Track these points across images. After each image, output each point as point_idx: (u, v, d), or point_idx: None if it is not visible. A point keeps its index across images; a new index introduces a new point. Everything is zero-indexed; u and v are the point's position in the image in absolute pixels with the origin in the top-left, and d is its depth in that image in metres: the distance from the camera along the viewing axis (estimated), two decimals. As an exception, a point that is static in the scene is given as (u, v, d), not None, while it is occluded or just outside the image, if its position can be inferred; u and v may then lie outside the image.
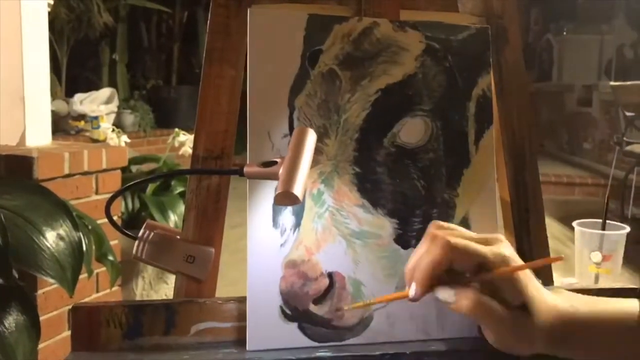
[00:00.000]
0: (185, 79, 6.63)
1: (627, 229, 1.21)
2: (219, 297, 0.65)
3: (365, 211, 0.67)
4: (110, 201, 0.65)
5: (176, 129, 2.58)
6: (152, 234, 0.65)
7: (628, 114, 4.32)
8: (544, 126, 7.18)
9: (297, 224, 0.66)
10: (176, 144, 2.55)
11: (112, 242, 1.77)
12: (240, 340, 0.63)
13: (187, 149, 2.48)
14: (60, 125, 4.67)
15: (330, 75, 0.68)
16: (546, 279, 0.72)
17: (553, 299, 0.56)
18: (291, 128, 0.66)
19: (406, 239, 0.68)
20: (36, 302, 1.67)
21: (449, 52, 0.71)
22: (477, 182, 0.71)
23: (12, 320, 1.10)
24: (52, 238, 1.22)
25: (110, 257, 1.63)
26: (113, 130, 2.69)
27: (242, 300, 0.65)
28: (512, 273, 0.53)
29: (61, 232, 1.24)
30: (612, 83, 4.81)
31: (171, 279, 2.40)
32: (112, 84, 5.74)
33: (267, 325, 0.63)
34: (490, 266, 0.53)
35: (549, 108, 7.30)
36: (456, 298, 0.53)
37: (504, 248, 0.55)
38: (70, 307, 0.62)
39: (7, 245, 1.10)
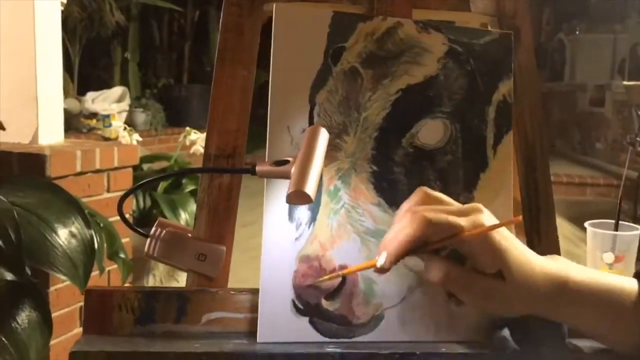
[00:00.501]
0: (196, 77, 6.65)
1: (640, 229, 1.20)
2: (232, 288, 0.66)
3: (381, 210, 0.67)
4: (122, 198, 0.66)
5: (187, 128, 2.59)
6: (164, 231, 0.65)
7: (641, 113, 4.29)
8: (556, 126, 7.14)
9: (313, 219, 0.66)
10: (187, 143, 2.56)
11: (124, 240, 1.78)
12: (251, 332, 0.63)
13: (198, 148, 2.49)
14: (73, 123, 4.70)
15: (352, 73, 0.68)
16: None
17: (544, 263, 0.56)
18: (311, 123, 0.66)
19: None
20: (48, 299, 1.69)
21: (471, 55, 0.71)
22: (493, 187, 0.71)
23: (25, 316, 1.11)
24: (64, 235, 1.23)
25: (122, 255, 1.64)
26: (125, 128, 2.70)
27: (254, 291, 0.65)
28: (479, 236, 0.53)
29: (73, 229, 1.25)
30: (625, 83, 4.77)
31: (182, 276, 2.41)
32: (124, 82, 5.78)
33: (279, 318, 0.63)
34: (467, 234, 0.53)
35: (561, 108, 7.26)
36: (426, 268, 0.54)
37: (484, 217, 0.54)
38: (81, 304, 0.63)
39: (20, 242, 1.11)
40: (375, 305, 0.66)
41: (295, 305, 0.64)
